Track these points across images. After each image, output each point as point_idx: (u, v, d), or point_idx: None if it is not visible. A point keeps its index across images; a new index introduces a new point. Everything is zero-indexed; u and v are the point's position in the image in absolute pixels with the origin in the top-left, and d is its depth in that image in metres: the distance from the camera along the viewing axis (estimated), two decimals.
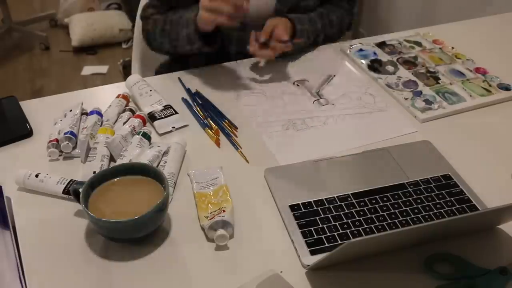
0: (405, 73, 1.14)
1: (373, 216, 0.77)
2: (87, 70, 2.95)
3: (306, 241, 0.73)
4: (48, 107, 1.03)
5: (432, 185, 0.83)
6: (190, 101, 1.05)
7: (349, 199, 0.80)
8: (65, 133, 0.89)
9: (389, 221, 0.76)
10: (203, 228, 0.75)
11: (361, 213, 0.78)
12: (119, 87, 1.08)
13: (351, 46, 1.24)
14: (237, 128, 0.97)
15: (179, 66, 1.20)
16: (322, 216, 0.77)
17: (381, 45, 1.25)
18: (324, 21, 1.20)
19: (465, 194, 0.81)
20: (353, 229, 0.75)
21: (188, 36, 1.07)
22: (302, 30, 1.14)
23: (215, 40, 1.08)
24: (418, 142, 0.93)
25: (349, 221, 0.76)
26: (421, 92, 1.08)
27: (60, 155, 0.89)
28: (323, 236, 0.74)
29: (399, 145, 0.92)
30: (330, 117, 1.01)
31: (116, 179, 0.77)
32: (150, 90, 1.03)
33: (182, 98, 1.05)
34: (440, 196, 0.81)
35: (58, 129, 0.92)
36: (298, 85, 1.10)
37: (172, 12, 1.14)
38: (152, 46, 1.20)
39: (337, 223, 0.76)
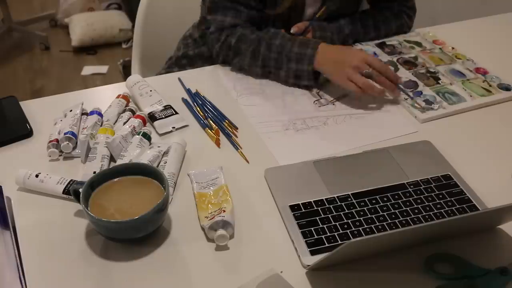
0: (405, 73, 1.14)
1: (373, 216, 0.77)
2: (87, 70, 2.95)
3: (306, 241, 0.73)
4: (48, 107, 1.02)
5: (432, 185, 0.83)
6: (191, 101, 1.05)
7: (349, 199, 0.80)
8: (65, 133, 0.89)
9: (389, 221, 0.76)
10: (203, 228, 0.75)
11: (361, 213, 0.78)
12: (119, 87, 1.08)
13: (351, 46, 1.23)
14: (237, 128, 0.97)
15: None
16: (322, 216, 0.77)
17: (381, 45, 1.25)
18: (356, 27, 1.21)
19: (465, 194, 0.81)
20: (353, 229, 0.75)
21: (298, 72, 1.05)
22: (322, 37, 1.15)
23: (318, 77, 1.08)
24: (418, 142, 0.93)
25: (349, 221, 0.76)
26: (421, 92, 1.08)
27: (60, 155, 0.89)
28: (323, 236, 0.74)
29: (399, 145, 0.92)
30: (330, 117, 1.01)
31: (116, 179, 0.77)
32: (150, 90, 1.03)
33: (182, 99, 1.05)
34: (440, 196, 0.81)
35: (58, 129, 0.92)
36: (299, 86, 1.10)
37: (262, 33, 1.09)
38: (229, 61, 1.13)
39: (337, 223, 0.76)
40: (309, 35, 1.15)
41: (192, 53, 1.27)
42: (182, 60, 1.28)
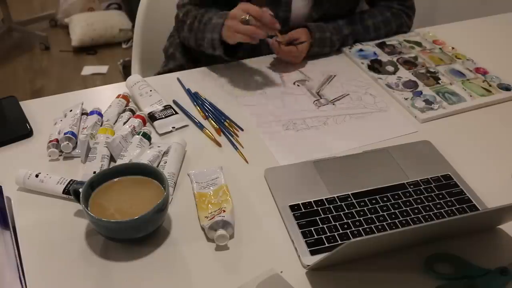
0: (405, 73, 1.14)
1: (373, 216, 0.77)
2: (87, 70, 2.95)
3: (306, 241, 0.73)
4: (48, 107, 1.03)
5: (432, 185, 0.83)
6: (191, 101, 1.05)
7: (349, 199, 0.80)
8: (65, 133, 0.89)
9: (389, 221, 0.76)
10: (203, 228, 0.75)
11: (361, 213, 0.78)
12: (119, 87, 1.08)
13: (351, 46, 1.23)
14: (242, 130, 0.97)
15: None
16: (322, 216, 0.77)
17: (381, 45, 1.25)
18: (355, 28, 1.22)
19: (465, 194, 0.81)
20: (353, 229, 0.75)
21: (212, 41, 1.07)
22: (322, 39, 1.16)
23: (236, 52, 1.09)
24: (418, 142, 0.93)
25: (349, 221, 0.76)
26: (421, 92, 1.08)
27: (60, 155, 0.89)
28: (323, 236, 0.74)
29: (399, 145, 0.92)
30: (330, 117, 1.01)
31: (116, 179, 0.77)
32: (150, 90, 1.03)
33: (173, 101, 1.04)
34: (440, 196, 0.81)
35: (58, 129, 0.92)
36: (298, 85, 1.10)
37: (205, 9, 1.13)
38: (180, 36, 1.20)
39: (337, 223, 0.76)
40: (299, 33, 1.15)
41: (178, 40, 1.28)
42: (170, 49, 1.30)
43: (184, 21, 1.15)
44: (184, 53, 1.27)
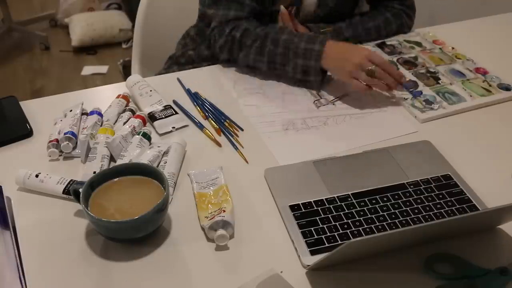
0: (405, 73, 1.14)
1: (373, 216, 0.77)
2: (87, 70, 2.95)
3: (306, 241, 0.73)
4: (48, 107, 1.02)
5: (432, 185, 0.83)
6: (191, 101, 1.05)
7: (349, 199, 0.80)
8: (65, 133, 0.89)
9: (389, 221, 0.76)
10: (203, 228, 0.75)
11: (361, 213, 0.78)
12: (119, 87, 1.08)
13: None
14: (242, 130, 0.97)
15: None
16: (322, 216, 0.77)
17: (381, 45, 1.25)
18: (357, 30, 1.22)
19: (465, 194, 0.81)
20: (353, 229, 0.75)
21: (305, 68, 1.04)
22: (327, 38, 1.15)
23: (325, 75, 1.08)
24: (418, 142, 0.93)
25: (349, 221, 0.76)
26: (421, 92, 1.08)
27: (60, 155, 0.89)
28: (323, 236, 0.74)
29: (399, 145, 0.92)
30: (330, 117, 1.01)
31: (116, 179, 0.77)
32: (150, 90, 1.03)
33: (173, 101, 1.04)
34: (440, 196, 0.81)
35: (58, 129, 0.92)
36: (298, 85, 1.10)
37: (265, 28, 1.08)
38: (234, 55, 1.11)
39: (337, 223, 0.76)
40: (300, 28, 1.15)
41: (192, 52, 1.27)
42: (181, 59, 1.28)
43: (243, 42, 1.08)
44: (194, 64, 1.25)
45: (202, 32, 1.24)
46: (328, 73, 1.09)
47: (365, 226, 0.75)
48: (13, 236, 0.73)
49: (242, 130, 0.97)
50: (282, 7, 1.08)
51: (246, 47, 1.08)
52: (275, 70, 1.09)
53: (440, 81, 1.11)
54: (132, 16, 2.81)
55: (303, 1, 1.18)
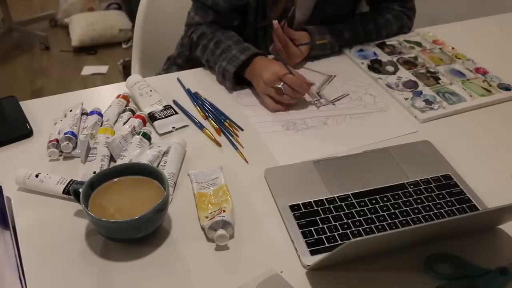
0: (405, 73, 1.14)
1: (373, 216, 0.77)
2: (87, 70, 2.95)
3: (306, 241, 0.73)
4: (48, 107, 1.02)
5: (432, 185, 0.83)
6: (191, 101, 1.05)
7: (349, 199, 0.80)
8: (65, 133, 0.89)
9: (389, 221, 0.76)
10: (203, 228, 0.75)
11: (361, 213, 0.78)
12: (119, 87, 1.08)
13: (352, 46, 1.23)
14: (242, 130, 0.97)
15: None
16: (322, 216, 0.77)
17: (381, 45, 1.25)
18: (357, 31, 1.22)
19: (465, 194, 0.81)
20: (353, 229, 0.75)
21: (224, 71, 1.07)
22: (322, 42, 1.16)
23: (244, 83, 1.09)
24: (418, 142, 0.93)
25: (349, 221, 0.76)
26: (421, 92, 1.08)
27: (60, 155, 0.89)
28: (323, 236, 0.74)
29: (399, 145, 0.92)
30: (330, 117, 1.01)
31: (116, 179, 0.77)
32: (150, 90, 1.03)
33: (173, 101, 1.04)
34: (440, 196, 0.81)
35: (58, 129, 0.92)
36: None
37: (221, 32, 1.12)
38: (192, 54, 1.19)
39: (337, 223, 0.76)
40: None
41: (188, 52, 1.27)
42: (178, 59, 1.29)
43: (198, 43, 1.14)
44: (192, 65, 1.26)
45: None
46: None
47: (365, 226, 0.75)
48: (13, 236, 0.73)
49: (242, 130, 0.97)
50: (275, 22, 1.09)
51: (199, 46, 1.15)
52: (210, 69, 1.14)
53: (440, 81, 1.11)
54: (132, 16, 2.81)
55: (295, 11, 1.17)
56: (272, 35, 1.12)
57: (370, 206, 0.79)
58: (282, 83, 1.00)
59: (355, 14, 1.28)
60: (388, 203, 0.79)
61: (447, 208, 0.79)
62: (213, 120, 0.99)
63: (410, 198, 0.80)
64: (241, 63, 1.04)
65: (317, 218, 0.77)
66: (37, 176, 0.81)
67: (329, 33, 1.17)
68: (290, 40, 1.12)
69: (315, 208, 0.78)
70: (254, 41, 1.14)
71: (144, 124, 0.95)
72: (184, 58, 1.28)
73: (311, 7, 1.20)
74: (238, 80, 1.08)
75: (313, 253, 0.72)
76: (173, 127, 0.97)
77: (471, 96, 1.06)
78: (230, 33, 1.13)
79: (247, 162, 0.89)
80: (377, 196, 0.80)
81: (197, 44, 1.15)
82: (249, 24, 1.17)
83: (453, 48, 1.24)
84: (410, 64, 1.18)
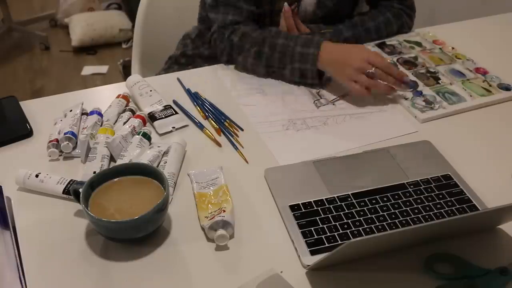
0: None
1: (373, 216, 0.77)
2: (87, 70, 2.95)
3: (306, 241, 0.73)
4: (48, 107, 1.02)
5: (432, 185, 0.83)
6: (191, 101, 1.05)
7: (349, 199, 0.80)
8: (65, 133, 0.89)
9: (389, 221, 0.76)
10: (203, 228, 0.75)
11: (361, 213, 0.78)
12: (119, 87, 1.08)
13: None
14: (242, 130, 0.97)
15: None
16: (322, 216, 0.77)
17: (381, 45, 1.25)
18: (356, 31, 1.21)
19: (465, 194, 0.81)
20: (353, 229, 0.75)
21: (303, 71, 1.05)
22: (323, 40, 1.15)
23: (323, 75, 1.08)
24: (418, 142, 0.93)
25: (349, 221, 0.76)
26: (421, 92, 1.08)
27: (60, 155, 0.89)
28: (323, 236, 0.74)
29: (399, 145, 0.92)
30: (330, 117, 1.01)
31: (116, 179, 0.77)
32: (150, 90, 1.03)
33: (173, 101, 1.04)
34: (440, 196, 0.81)
35: (58, 129, 0.92)
36: (298, 85, 1.10)
37: (263, 32, 1.09)
38: (233, 59, 1.13)
39: (337, 223, 0.76)
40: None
41: (191, 52, 1.27)
42: (181, 59, 1.29)
43: (241, 46, 1.09)
44: (196, 66, 1.26)
45: (202, 35, 1.25)
46: (330, 75, 1.09)
47: (365, 226, 0.75)
48: (13, 236, 0.73)
49: (242, 130, 0.97)
50: (286, 4, 1.09)
51: (244, 51, 1.10)
52: (273, 73, 1.10)
53: (440, 81, 1.11)
54: (132, 16, 2.81)
55: (302, 1, 1.18)
56: (278, 22, 1.12)
57: (370, 206, 0.79)
58: (374, 68, 0.99)
59: (354, 15, 1.28)
60: (388, 203, 0.79)
61: (447, 208, 0.79)
62: (213, 120, 0.99)
63: (410, 198, 0.80)
64: (315, 58, 1.03)
65: (317, 218, 0.77)
66: (37, 176, 0.81)
67: (329, 32, 1.17)
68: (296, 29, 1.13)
69: (315, 208, 0.78)
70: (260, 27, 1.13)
71: (144, 124, 0.95)
72: (187, 58, 1.28)
73: (314, 2, 1.19)
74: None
75: (313, 253, 0.72)
76: (173, 127, 0.97)
77: (471, 96, 1.06)
78: (271, 30, 1.10)
79: (247, 162, 0.89)
80: (377, 196, 0.80)
81: (240, 47, 1.10)
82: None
83: (453, 48, 1.24)
84: (410, 64, 1.18)
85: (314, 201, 0.79)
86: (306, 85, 1.09)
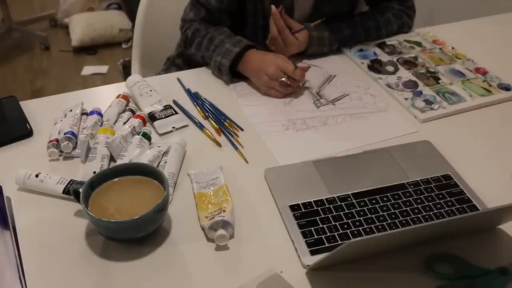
0: (405, 73, 1.14)
1: (373, 216, 0.77)
2: (87, 70, 2.95)
3: (306, 241, 0.73)
4: (48, 107, 1.02)
5: (432, 185, 0.83)
6: (191, 101, 1.05)
7: (349, 199, 0.80)
8: (65, 133, 0.89)
9: (389, 221, 0.76)
10: (203, 228, 0.75)
11: (361, 213, 0.78)
12: (119, 87, 1.08)
13: (351, 46, 1.23)
14: (242, 130, 0.97)
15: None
16: (322, 216, 0.77)
17: (381, 45, 1.25)
18: (356, 30, 1.22)
19: (465, 194, 0.81)
20: (353, 229, 0.75)
21: (220, 65, 1.09)
22: (320, 38, 1.17)
23: (241, 76, 1.11)
24: (418, 142, 0.93)
25: (349, 221, 0.76)
26: (421, 92, 1.08)
27: (60, 155, 0.89)
28: (323, 236, 0.74)
29: (399, 145, 0.92)
30: (330, 117, 1.01)
31: (116, 179, 0.77)
32: (150, 90, 1.03)
33: (173, 101, 1.04)
34: (440, 196, 0.81)
35: (58, 129, 0.92)
36: (298, 85, 1.10)
37: (213, 28, 1.15)
38: (187, 51, 1.22)
39: (337, 223, 0.76)
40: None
41: (183, 49, 1.28)
42: (177, 60, 1.30)
43: (192, 40, 1.17)
44: (191, 65, 1.27)
45: None
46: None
47: (365, 226, 0.75)
48: (13, 236, 0.73)
49: (242, 130, 0.97)
50: (273, 6, 1.10)
51: (193, 43, 1.17)
52: (206, 65, 1.16)
53: (440, 81, 1.11)
54: (132, 16, 2.81)
55: (295, 3, 1.18)
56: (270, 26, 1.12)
57: (370, 206, 0.79)
58: (285, 76, 1.03)
59: (355, 15, 1.28)
60: (388, 203, 0.79)
61: (447, 208, 0.79)
62: (213, 120, 0.99)
63: (410, 198, 0.80)
64: (235, 56, 1.07)
65: (317, 218, 0.77)
66: (37, 176, 0.81)
67: (327, 30, 1.17)
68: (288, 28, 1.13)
69: (315, 208, 0.78)
70: (254, 41, 1.14)
71: (144, 124, 0.95)
72: (183, 59, 1.28)
73: (310, 6, 1.20)
74: (234, 73, 1.10)
75: (313, 253, 0.72)
76: (173, 127, 0.97)
77: (471, 96, 1.06)
78: (222, 28, 1.15)
79: (247, 162, 0.89)
80: (377, 196, 0.80)
81: (191, 41, 1.17)
82: (248, 25, 1.17)
83: (453, 48, 1.24)
84: (410, 64, 1.18)
85: (314, 201, 0.79)
86: (305, 86, 1.09)
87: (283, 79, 1.03)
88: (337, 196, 0.80)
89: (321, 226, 0.75)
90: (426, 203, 0.79)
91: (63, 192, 0.80)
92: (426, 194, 0.81)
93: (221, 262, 0.71)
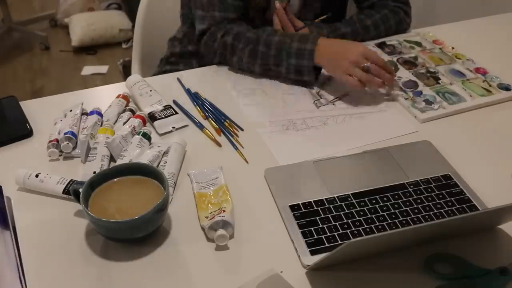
0: (405, 73, 1.14)
1: (373, 216, 0.77)
2: (87, 70, 2.95)
3: (306, 241, 0.73)
4: (48, 107, 1.03)
5: (432, 185, 0.83)
6: (191, 101, 1.05)
7: (349, 199, 0.80)
8: (65, 133, 0.89)
9: (389, 221, 0.76)
10: (203, 228, 0.75)
11: (361, 213, 0.78)
12: (119, 87, 1.08)
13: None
14: (242, 130, 0.97)
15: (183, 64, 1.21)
16: (322, 216, 0.77)
17: (381, 45, 1.25)
18: (354, 28, 1.21)
19: (465, 194, 0.81)
20: (353, 229, 0.75)
21: (299, 67, 1.05)
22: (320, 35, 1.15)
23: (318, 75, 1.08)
24: (418, 142, 0.93)
25: (349, 221, 0.76)
26: (421, 92, 1.08)
27: (60, 155, 0.89)
28: (323, 236, 0.74)
29: (399, 145, 0.92)
30: (330, 117, 1.01)
31: (116, 179, 0.77)
32: (150, 90, 1.03)
33: (173, 101, 1.04)
34: (440, 196, 0.81)
35: (58, 129, 0.92)
36: (298, 85, 1.10)
37: (253, 31, 1.09)
38: (227, 60, 1.13)
39: (337, 223, 0.76)
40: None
41: (179, 50, 1.27)
42: (171, 58, 1.30)
43: (235, 46, 1.09)
44: (186, 63, 1.26)
45: (188, 34, 1.26)
46: (325, 73, 1.09)
47: (365, 226, 0.75)
48: (13, 236, 0.73)
49: (242, 130, 0.97)
50: (277, 3, 1.09)
51: (238, 51, 1.09)
52: (269, 71, 1.10)
53: (440, 81, 1.11)
54: (132, 16, 2.81)
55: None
56: (272, 22, 1.12)
57: (370, 206, 0.79)
58: (369, 63, 1.01)
59: (352, 15, 1.28)
60: (388, 203, 0.79)
61: (447, 208, 0.79)
62: (213, 120, 0.99)
63: (410, 198, 0.80)
64: (312, 53, 1.03)
65: (317, 218, 0.77)
66: (37, 176, 0.81)
67: (326, 28, 1.17)
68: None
69: (315, 208, 0.78)
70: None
71: (144, 124, 0.95)
72: (176, 56, 1.28)
73: (300, 3, 1.19)
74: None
75: (313, 253, 0.72)
76: (173, 127, 0.97)
77: (471, 96, 1.06)
78: (266, 29, 1.10)
79: (247, 162, 0.89)
80: (377, 196, 0.80)
81: (234, 48, 1.09)
82: (250, 20, 1.16)
83: (453, 48, 1.24)
84: (410, 64, 1.18)
85: (314, 201, 0.79)
86: (305, 85, 1.09)
87: (368, 65, 1.00)
88: (337, 196, 0.80)
89: (321, 226, 0.75)
90: (426, 203, 0.79)
91: (63, 192, 0.80)
92: (426, 194, 0.81)
93: (221, 262, 0.71)
